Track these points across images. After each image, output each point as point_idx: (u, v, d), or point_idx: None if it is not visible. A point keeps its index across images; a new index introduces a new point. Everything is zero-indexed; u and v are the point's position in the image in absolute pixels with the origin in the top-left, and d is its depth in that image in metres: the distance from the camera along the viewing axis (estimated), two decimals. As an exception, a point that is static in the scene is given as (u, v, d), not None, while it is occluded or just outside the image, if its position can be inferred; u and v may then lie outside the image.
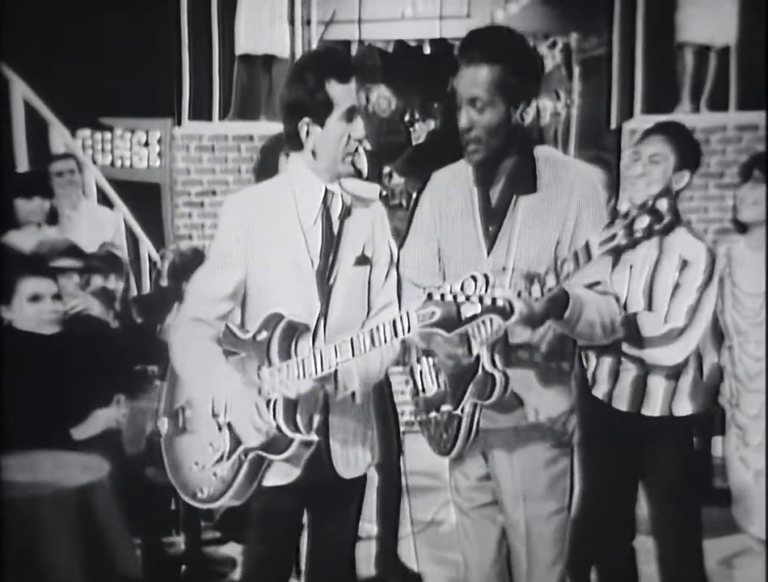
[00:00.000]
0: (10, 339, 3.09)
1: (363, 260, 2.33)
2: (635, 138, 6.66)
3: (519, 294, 2.03)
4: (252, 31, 7.23)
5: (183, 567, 3.91)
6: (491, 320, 2.02)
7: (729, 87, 6.61)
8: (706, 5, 6.58)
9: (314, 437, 2.20)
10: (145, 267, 6.42)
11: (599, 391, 3.00)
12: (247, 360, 2.27)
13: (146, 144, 7.06)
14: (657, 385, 2.93)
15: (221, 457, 2.26)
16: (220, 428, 2.25)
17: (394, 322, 2.04)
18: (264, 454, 2.22)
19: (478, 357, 2.24)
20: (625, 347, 2.91)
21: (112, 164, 6.98)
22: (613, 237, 1.89)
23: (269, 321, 2.25)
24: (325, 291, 2.29)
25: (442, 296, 1.92)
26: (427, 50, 8.78)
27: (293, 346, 2.23)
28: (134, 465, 3.34)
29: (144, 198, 6.80)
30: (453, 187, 2.41)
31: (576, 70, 8.55)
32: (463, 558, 2.58)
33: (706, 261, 2.88)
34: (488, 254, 2.30)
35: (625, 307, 2.86)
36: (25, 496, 2.54)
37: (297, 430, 2.18)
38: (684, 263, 2.88)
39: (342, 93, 2.25)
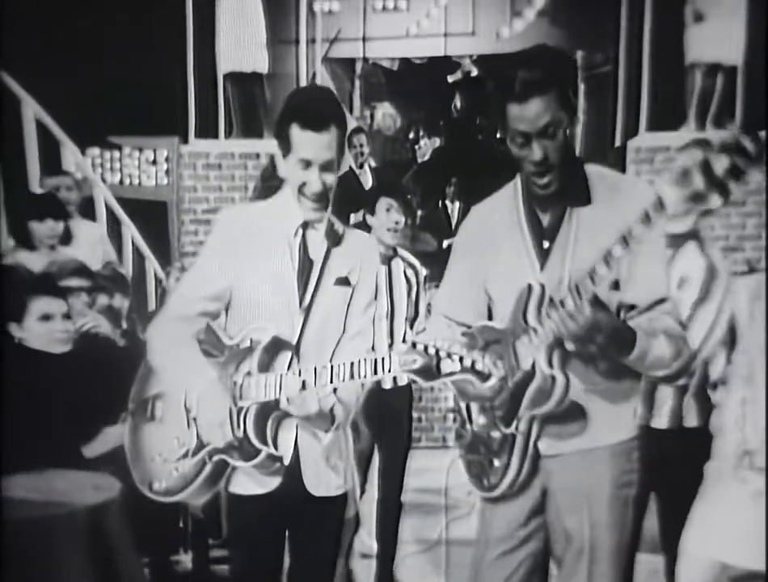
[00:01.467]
0: (23, 358, 3.11)
1: (344, 281, 2.37)
2: (639, 155, 6.74)
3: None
4: (235, 50, 7.28)
5: (191, 585, 3.91)
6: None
7: (735, 107, 6.64)
8: (713, 24, 6.60)
9: (280, 452, 2.26)
10: (151, 284, 6.43)
11: None
12: (225, 365, 2.31)
13: (154, 162, 7.10)
14: (665, 397, 2.98)
15: (186, 453, 2.31)
16: (189, 425, 2.31)
17: (376, 361, 2.09)
18: (229, 460, 2.28)
19: (533, 364, 2.15)
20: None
21: (121, 182, 7.02)
22: (690, 183, 1.79)
23: (254, 332, 2.31)
24: (305, 307, 2.33)
25: (426, 347, 1.97)
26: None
27: (273, 361, 2.29)
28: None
29: (151, 216, 6.82)
30: (494, 217, 2.34)
31: (582, 88, 8.57)
32: None
33: (703, 278, 2.89)
34: (542, 269, 2.21)
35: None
36: (37, 515, 2.54)
37: (264, 442, 2.24)
38: (682, 281, 2.89)
39: (301, 139, 2.27)
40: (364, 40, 8.28)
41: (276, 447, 2.25)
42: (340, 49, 8.26)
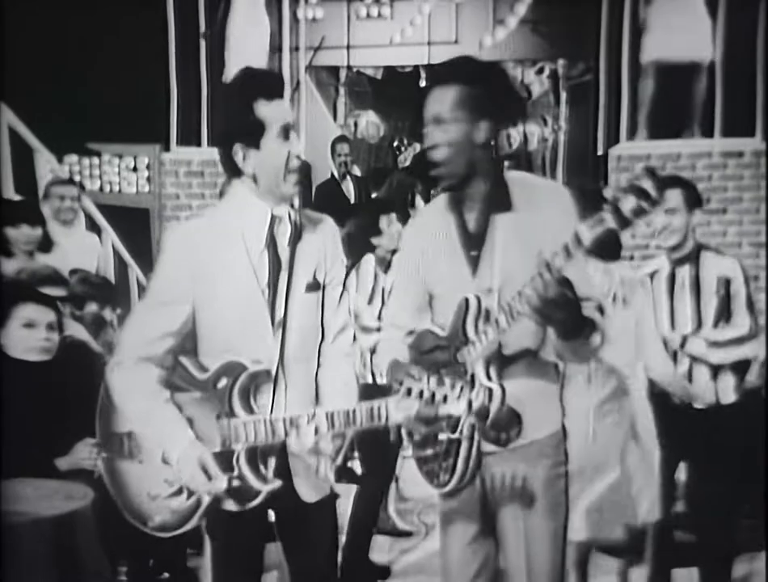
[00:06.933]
0: (2, 365, 3.06)
1: (314, 286, 2.28)
2: (621, 164, 6.77)
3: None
4: (243, 61, 7.27)
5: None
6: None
7: (714, 114, 6.68)
8: (687, 31, 6.66)
9: (278, 484, 2.18)
10: (134, 292, 6.41)
11: None
12: (202, 402, 2.21)
13: (135, 169, 7.08)
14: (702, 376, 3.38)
15: (179, 491, 2.22)
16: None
17: (372, 409, 2.07)
18: (230, 501, 2.20)
19: (472, 376, 2.22)
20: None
21: (101, 189, 6.99)
22: (602, 221, 1.90)
23: (229, 369, 2.19)
24: (278, 323, 2.22)
25: (421, 392, 1.99)
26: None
27: (253, 396, 2.19)
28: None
29: (133, 223, 6.80)
30: (427, 227, 2.41)
31: (564, 96, 8.63)
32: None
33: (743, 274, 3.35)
34: (473, 277, 2.29)
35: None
36: (5, 524, 2.51)
37: (262, 480, 2.18)
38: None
39: (272, 111, 2.19)
40: (348, 48, 8.30)
41: (272, 479, 2.19)
42: (324, 57, 8.27)
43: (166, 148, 7.15)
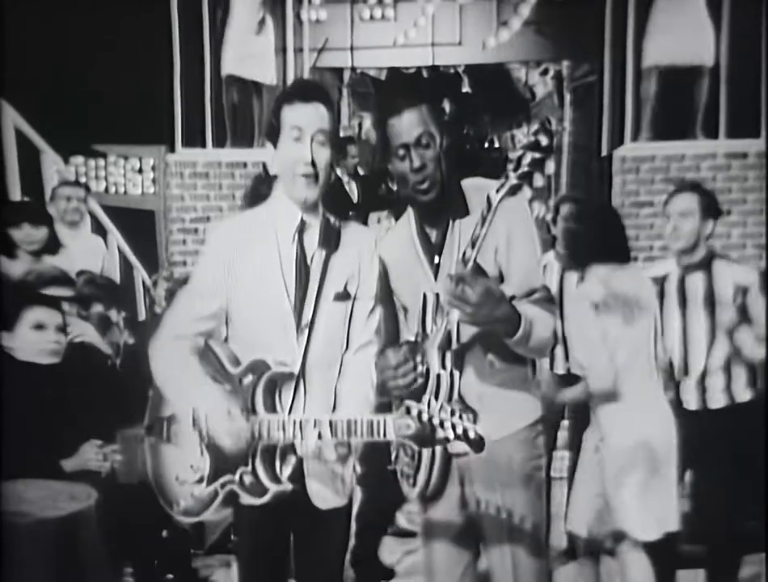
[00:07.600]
0: (9, 368, 3.06)
1: (344, 296, 2.31)
2: (625, 165, 6.77)
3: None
4: (240, 57, 7.30)
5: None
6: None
7: (719, 115, 6.69)
8: (690, 32, 6.67)
9: (289, 486, 2.23)
10: (140, 293, 6.42)
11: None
12: (231, 395, 2.26)
13: (140, 170, 7.10)
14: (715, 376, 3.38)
15: (201, 479, 2.29)
16: (202, 452, 2.27)
17: (372, 423, 2.08)
18: (244, 494, 2.25)
19: (427, 368, 2.28)
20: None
21: (106, 191, 7.01)
22: (506, 180, 2.00)
23: (255, 367, 2.25)
24: (303, 328, 2.27)
25: (419, 413, 2.01)
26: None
27: (277, 396, 2.24)
28: (126, 493, 3.31)
29: (138, 224, 6.82)
30: (394, 244, 2.46)
31: (568, 97, 8.61)
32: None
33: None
34: (435, 282, 2.35)
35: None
36: (8, 525, 2.52)
37: (274, 480, 2.22)
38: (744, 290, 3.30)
39: (289, 113, 2.27)
40: (351, 49, 8.30)
41: (285, 479, 2.24)
42: (328, 59, 8.27)
43: (171, 149, 7.18)
